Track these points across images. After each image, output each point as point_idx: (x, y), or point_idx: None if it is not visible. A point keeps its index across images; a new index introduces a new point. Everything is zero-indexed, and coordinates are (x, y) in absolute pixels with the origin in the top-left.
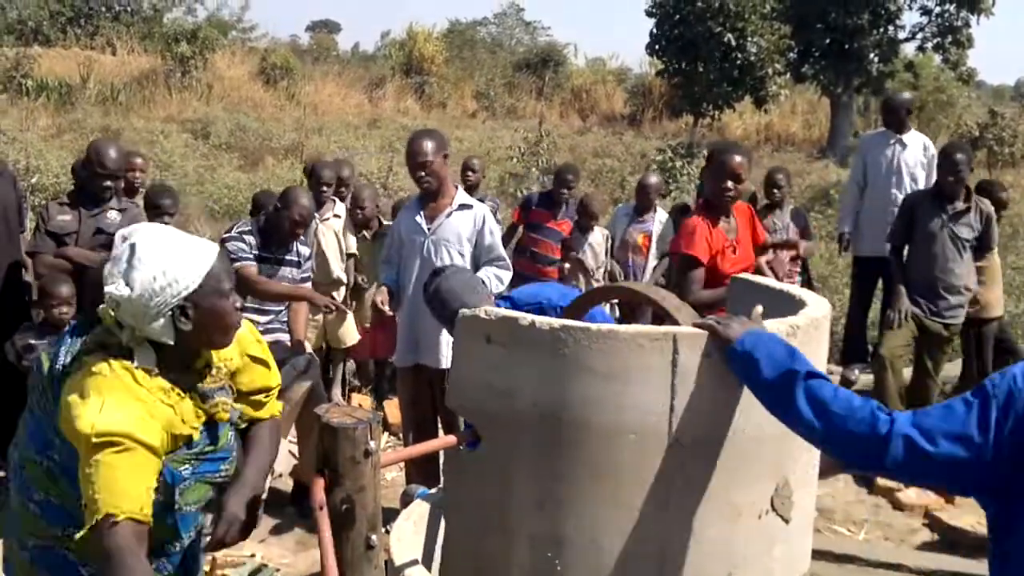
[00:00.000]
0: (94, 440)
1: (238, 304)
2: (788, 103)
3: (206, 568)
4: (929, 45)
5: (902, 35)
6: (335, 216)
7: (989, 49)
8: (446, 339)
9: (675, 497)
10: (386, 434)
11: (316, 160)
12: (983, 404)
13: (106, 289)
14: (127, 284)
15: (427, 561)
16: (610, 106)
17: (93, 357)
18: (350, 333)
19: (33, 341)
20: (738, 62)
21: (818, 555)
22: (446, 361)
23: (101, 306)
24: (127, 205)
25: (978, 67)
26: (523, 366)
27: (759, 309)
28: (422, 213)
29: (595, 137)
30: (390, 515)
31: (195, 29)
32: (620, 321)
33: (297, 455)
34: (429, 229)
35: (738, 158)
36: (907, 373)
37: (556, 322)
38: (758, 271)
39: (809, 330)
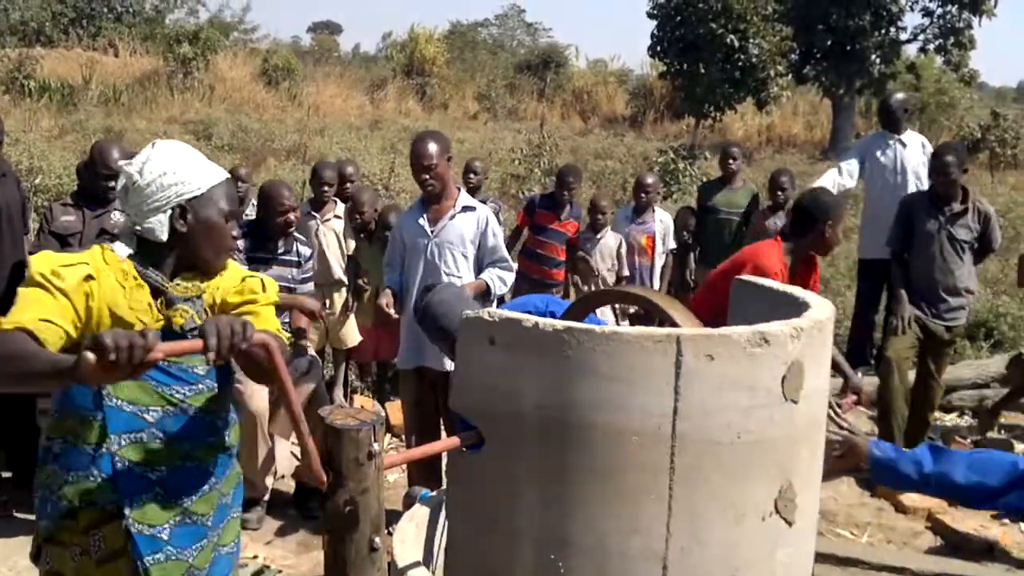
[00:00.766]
0: (30, 277)
1: (235, 232)
2: (790, 105)
3: None
4: (931, 47)
5: (904, 36)
6: (336, 217)
7: (991, 51)
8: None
9: (678, 499)
10: (388, 436)
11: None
12: None
13: (123, 166)
14: (139, 172)
15: (429, 563)
16: (611, 108)
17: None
18: (352, 334)
19: None
20: (740, 63)
21: (821, 558)
22: (449, 364)
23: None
24: None
25: (980, 69)
26: (526, 368)
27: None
28: (425, 216)
29: (596, 139)
30: (392, 517)
31: (197, 30)
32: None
33: (298, 457)
34: (432, 232)
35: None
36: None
37: (560, 324)
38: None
39: (812, 332)
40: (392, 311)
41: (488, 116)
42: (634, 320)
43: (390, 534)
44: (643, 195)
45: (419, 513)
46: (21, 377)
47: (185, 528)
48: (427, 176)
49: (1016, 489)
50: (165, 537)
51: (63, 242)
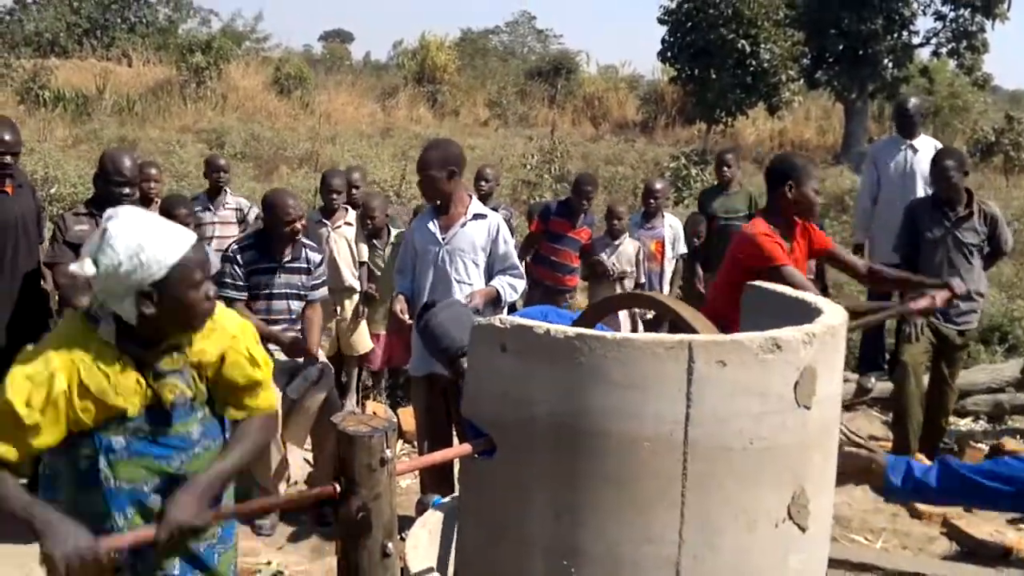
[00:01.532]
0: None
1: (211, 293)
2: (802, 109)
3: None
4: (944, 50)
5: (916, 40)
6: (347, 224)
7: (1004, 54)
8: (467, 333)
9: (691, 505)
10: (400, 442)
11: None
12: None
13: (71, 266)
14: (94, 263)
15: (442, 569)
16: (622, 113)
17: (75, 313)
18: (363, 341)
19: None
20: (751, 68)
21: (835, 564)
22: None
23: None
24: None
25: (993, 72)
26: (538, 375)
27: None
28: (436, 222)
29: (607, 144)
30: (405, 523)
31: (209, 40)
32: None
33: (312, 463)
34: (444, 239)
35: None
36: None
37: (571, 330)
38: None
39: (825, 338)
40: (406, 317)
41: (499, 123)
42: (650, 326)
43: (403, 540)
44: (652, 200)
45: (432, 519)
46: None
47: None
48: (418, 181)
49: None
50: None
51: (78, 251)
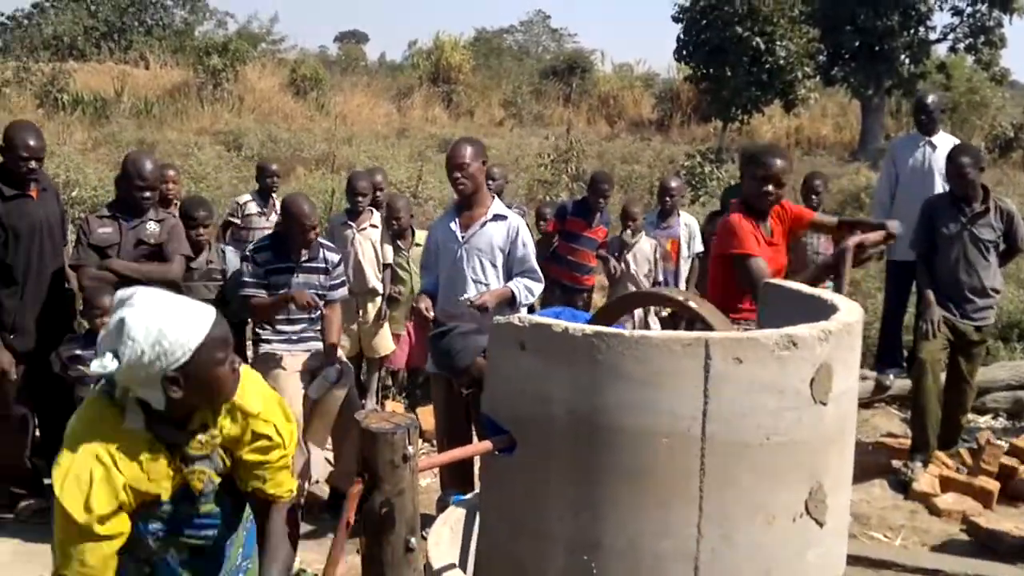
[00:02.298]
0: (56, 490)
1: (237, 365)
2: (818, 106)
3: None
4: (961, 46)
5: (933, 36)
6: (372, 226)
7: (1022, 49)
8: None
9: (709, 500)
10: (420, 441)
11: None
12: None
13: (92, 365)
14: (115, 357)
15: (463, 565)
16: (638, 112)
17: (96, 396)
18: (385, 343)
19: (79, 352)
20: (767, 66)
21: (854, 560)
22: None
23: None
24: (164, 216)
25: (1011, 67)
26: (557, 372)
27: None
28: (457, 221)
29: (623, 143)
30: (425, 521)
31: (226, 42)
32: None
33: (333, 462)
34: (463, 237)
35: (780, 162)
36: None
37: (589, 328)
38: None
39: (842, 335)
40: (430, 315)
41: (514, 122)
42: (667, 323)
43: (424, 538)
44: (668, 199)
45: (453, 516)
46: None
47: None
48: (459, 174)
49: None
50: None
51: (102, 254)
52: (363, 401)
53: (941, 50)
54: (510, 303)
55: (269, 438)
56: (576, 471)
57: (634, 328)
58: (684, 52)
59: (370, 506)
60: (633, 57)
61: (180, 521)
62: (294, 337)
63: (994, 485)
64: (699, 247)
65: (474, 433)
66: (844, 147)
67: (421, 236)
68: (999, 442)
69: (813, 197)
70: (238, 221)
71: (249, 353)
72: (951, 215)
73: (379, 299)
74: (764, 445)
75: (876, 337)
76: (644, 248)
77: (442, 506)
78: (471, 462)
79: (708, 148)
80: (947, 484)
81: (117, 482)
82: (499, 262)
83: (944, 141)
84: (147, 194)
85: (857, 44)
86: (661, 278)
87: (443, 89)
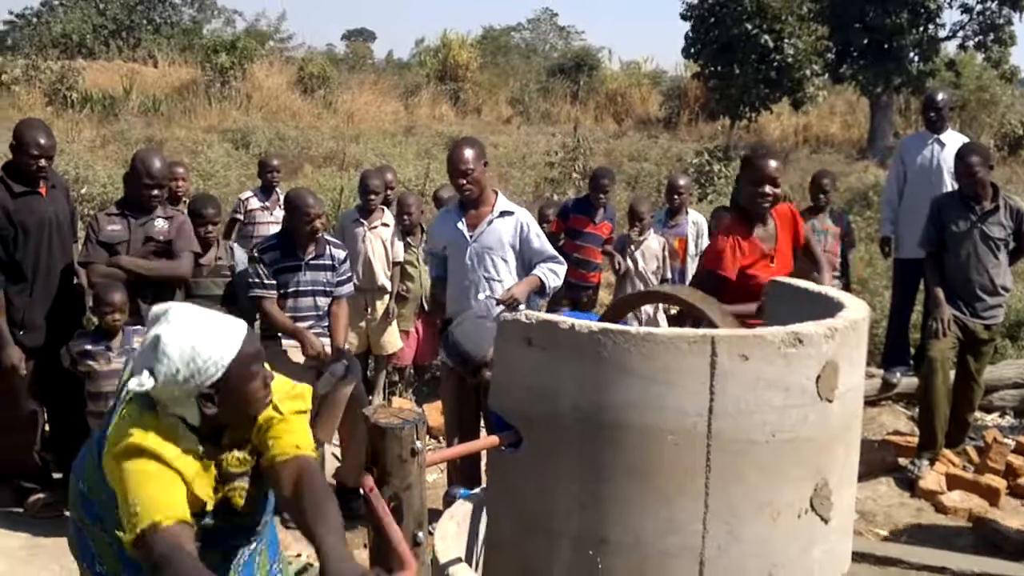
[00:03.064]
0: (126, 449)
1: (269, 379)
2: (826, 104)
3: None
4: (970, 43)
5: (942, 33)
6: (383, 224)
7: None
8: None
9: (714, 497)
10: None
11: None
12: None
13: (129, 384)
14: (152, 375)
15: (469, 560)
16: (645, 109)
17: (137, 407)
18: (392, 341)
19: (88, 347)
20: (775, 64)
21: (859, 557)
22: None
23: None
24: (173, 213)
25: (1021, 65)
26: (563, 369)
27: None
28: (464, 220)
29: (631, 141)
30: (432, 516)
31: (234, 40)
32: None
33: (340, 458)
34: (471, 236)
35: (773, 162)
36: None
37: (596, 325)
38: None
39: (848, 332)
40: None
41: (521, 120)
42: (674, 321)
43: (431, 533)
44: (676, 196)
45: (460, 511)
46: None
47: None
48: (464, 181)
49: None
50: None
51: (111, 251)
52: (370, 397)
53: (950, 48)
54: (539, 291)
55: (281, 418)
56: (582, 467)
57: (641, 325)
58: (692, 49)
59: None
60: (641, 55)
61: (218, 535)
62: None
63: (1000, 483)
64: (706, 244)
65: (483, 427)
66: (852, 145)
67: None
68: (1006, 440)
69: (821, 196)
70: (242, 217)
71: None
72: (961, 213)
73: (387, 297)
74: (770, 442)
75: (883, 335)
76: (652, 245)
77: (449, 501)
78: (478, 457)
79: (716, 146)
80: (953, 482)
81: (179, 470)
82: (510, 258)
83: (953, 139)
84: (156, 192)
85: (866, 41)
86: (669, 276)
87: (450, 87)
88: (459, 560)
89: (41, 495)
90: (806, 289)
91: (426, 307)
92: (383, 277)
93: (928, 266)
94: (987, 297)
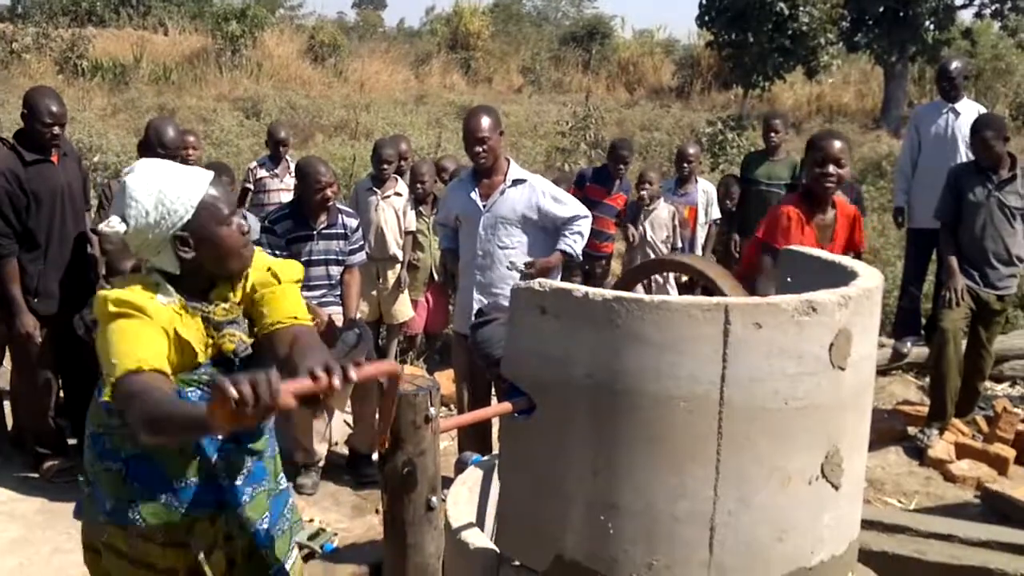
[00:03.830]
0: (110, 308)
1: (244, 228)
2: (841, 73)
3: None
4: (987, 11)
5: (959, 1)
6: (396, 194)
7: None
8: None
9: (725, 463)
10: None
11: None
12: None
13: (100, 227)
14: (123, 220)
15: (480, 524)
16: (658, 79)
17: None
18: (404, 310)
19: None
20: (790, 32)
21: (868, 525)
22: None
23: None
24: None
25: None
26: (577, 337)
27: None
28: (477, 191)
29: (643, 111)
30: (444, 483)
31: (244, 8)
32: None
33: (352, 425)
34: (484, 206)
35: (838, 143)
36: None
37: (609, 293)
38: None
39: (862, 300)
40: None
41: (533, 89)
42: (685, 290)
43: (443, 500)
44: (685, 165)
45: (472, 477)
46: (163, 428)
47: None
48: (481, 149)
49: None
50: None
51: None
52: None
53: (966, 16)
54: (568, 262)
55: (268, 271)
56: (595, 434)
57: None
58: (706, 18)
59: (392, 466)
60: (654, 23)
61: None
62: (313, 302)
63: (1009, 452)
64: (716, 214)
65: (494, 396)
66: (866, 114)
67: None
68: (1016, 410)
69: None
70: (251, 187)
71: None
72: (978, 181)
73: (399, 266)
74: (782, 410)
75: (895, 305)
76: (662, 214)
77: (460, 467)
78: (489, 424)
79: (729, 115)
80: (962, 451)
81: (159, 321)
82: (525, 227)
83: (967, 108)
84: (169, 160)
85: (881, 10)
86: (680, 244)
87: (461, 55)
88: (471, 524)
89: (56, 461)
90: (819, 257)
91: (436, 277)
92: (395, 247)
93: (943, 236)
94: (1001, 267)
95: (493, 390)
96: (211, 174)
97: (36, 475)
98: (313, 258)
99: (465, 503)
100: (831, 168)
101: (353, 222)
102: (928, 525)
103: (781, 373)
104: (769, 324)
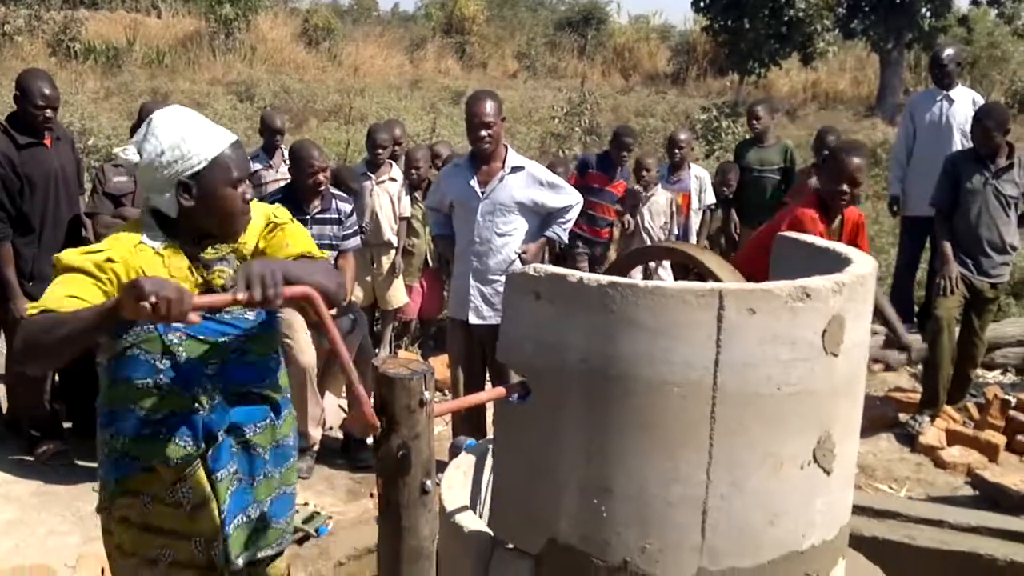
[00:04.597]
0: (57, 267)
1: (248, 196)
2: (836, 60)
3: None
4: None
5: None
6: (391, 179)
7: None
8: (496, 300)
9: (718, 448)
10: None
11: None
12: None
13: (115, 150)
14: (138, 151)
15: (474, 508)
16: (653, 65)
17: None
18: (398, 295)
19: None
20: (785, 18)
21: (859, 510)
22: (495, 318)
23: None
24: None
25: None
26: (571, 322)
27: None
28: (476, 178)
29: (638, 96)
30: (438, 467)
31: None
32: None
33: (346, 409)
34: (483, 193)
35: (857, 160)
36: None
37: (604, 279)
38: None
39: (855, 287)
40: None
41: (528, 74)
42: (678, 275)
43: (437, 484)
44: (677, 151)
45: (466, 461)
46: (66, 340)
47: (245, 456)
48: (486, 134)
49: None
50: (233, 469)
51: (116, 202)
52: (376, 351)
53: (963, 3)
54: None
55: (277, 215)
56: (589, 419)
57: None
58: (702, 3)
59: (387, 449)
60: (649, 8)
61: (205, 317)
62: None
63: (1000, 439)
64: (711, 199)
65: (488, 379)
66: (861, 102)
67: None
68: (1007, 397)
69: (825, 152)
70: None
71: None
72: (976, 169)
73: (393, 252)
74: (775, 395)
75: (888, 292)
76: (660, 201)
77: (454, 452)
78: (483, 409)
79: (724, 102)
80: (953, 438)
81: (107, 269)
82: (523, 213)
83: (962, 95)
84: None
85: None
86: (677, 231)
87: (456, 40)
88: (465, 508)
89: (50, 444)
90: (813, 243)
91: (431, 262)
92: (389, 232)
93: (938, 223)
94: (995, 255)
95: (487, 375)
96: (235, 137)
97: (31, 458)
98: None
99: (459, 487)
100: (845, 187)
101: (347, 207)
102: (919, 511)
103: (774, 359)
104: (763, 310)
